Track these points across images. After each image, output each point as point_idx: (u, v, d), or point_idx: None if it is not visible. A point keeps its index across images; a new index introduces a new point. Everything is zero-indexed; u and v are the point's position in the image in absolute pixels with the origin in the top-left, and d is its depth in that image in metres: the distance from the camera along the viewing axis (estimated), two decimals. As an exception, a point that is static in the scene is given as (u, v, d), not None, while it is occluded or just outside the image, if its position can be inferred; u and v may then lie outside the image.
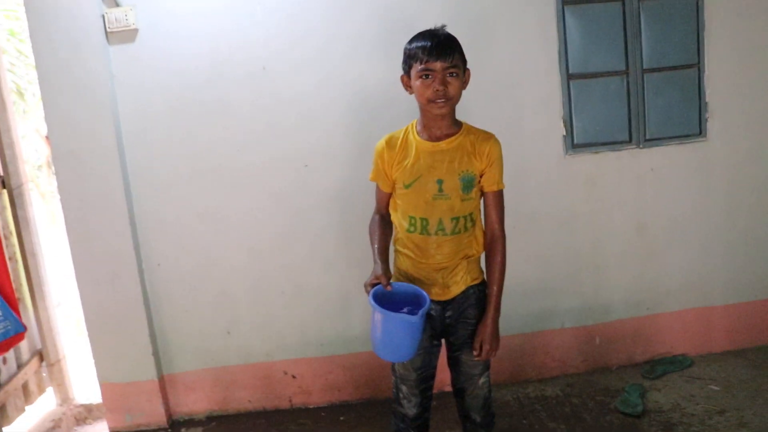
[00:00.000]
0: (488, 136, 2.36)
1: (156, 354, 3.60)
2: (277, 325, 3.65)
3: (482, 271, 2.51)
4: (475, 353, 2.38)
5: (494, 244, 2.42)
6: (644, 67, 3.57)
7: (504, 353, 3.65)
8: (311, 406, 3.71)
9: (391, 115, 3.31)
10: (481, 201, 2.43)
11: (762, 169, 3.78)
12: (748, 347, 3.93)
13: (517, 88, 3.55)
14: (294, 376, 3.69)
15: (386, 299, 2.21)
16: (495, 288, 2.40)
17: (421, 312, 2.16)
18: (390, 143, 2.38)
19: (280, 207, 3.54)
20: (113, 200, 3.43)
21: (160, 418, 3.62)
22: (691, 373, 3.71)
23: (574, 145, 3.60)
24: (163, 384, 3.64)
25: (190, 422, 3.65)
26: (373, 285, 2.22)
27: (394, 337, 2.21)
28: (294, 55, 3.42)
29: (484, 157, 2.32)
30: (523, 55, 3.52)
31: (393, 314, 2.16)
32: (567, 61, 3.52)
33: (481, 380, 2.50)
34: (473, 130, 2.36)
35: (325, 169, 3.51)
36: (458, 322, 2.44)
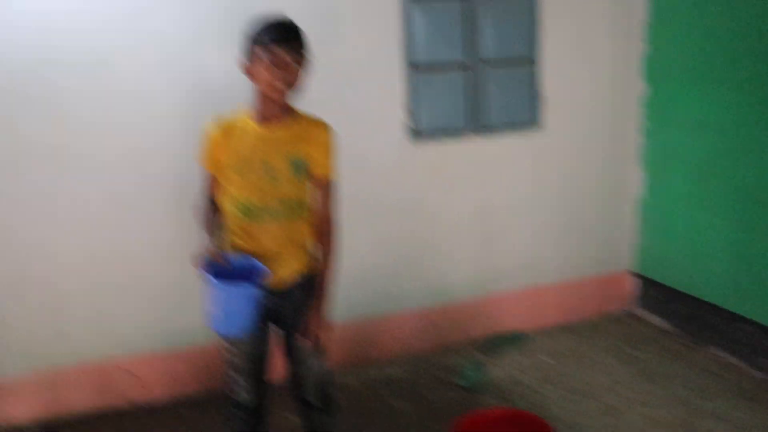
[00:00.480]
0: (319, 123, 2.35)
1: (-27, 360, 3.31)
2: (114, 321, 3.47)
3: (314, 259, 2.49)
4: (305, 340, 2.34)
5: (325, 233, 2.42)
6: (484, 59, 3.70)
7: (346, 338, 3.74)
8: (153, 404, 3.57)
9: (233, 106, 3.19)
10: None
11: (591, 158, 4.07)
12: (575, 321, 4.26)
13: (363, 79, 3.55)
14: (134, 373, 3.54)
15: (221, 274, 2.15)
16: (324, 276, 2.40)
17: (257, 282, 2.14)
18: (220, 125, 2.32)
19: (116, 198, 3.35)
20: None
21: (-21, 428, 3.34)
22: (525, 348, 3.95)
23: (417, 133, 3.67)
24: (-19, 391, 3.35)
25: (21, 431, 3.39)
26: (209, 261, 2.17)
27: (229, 307, 2.16)
28: (130, 43, 3.22)
29: (315, 142, 2.32)
30: (369, 46, 3.53)
31: (228, 285, 2.12)
32: (410, 51, 3.57)
33: (316, 364, 2.49)
34: (305, 117, 2.34)
35: (163, 159, 3.35)
36: (289, 309, 2.42)
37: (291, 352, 2.49)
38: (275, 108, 2.27)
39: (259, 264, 2.24)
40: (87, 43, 3.17)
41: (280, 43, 2.15)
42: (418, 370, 3.74)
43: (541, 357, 3.81)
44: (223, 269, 2.17)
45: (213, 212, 2.40)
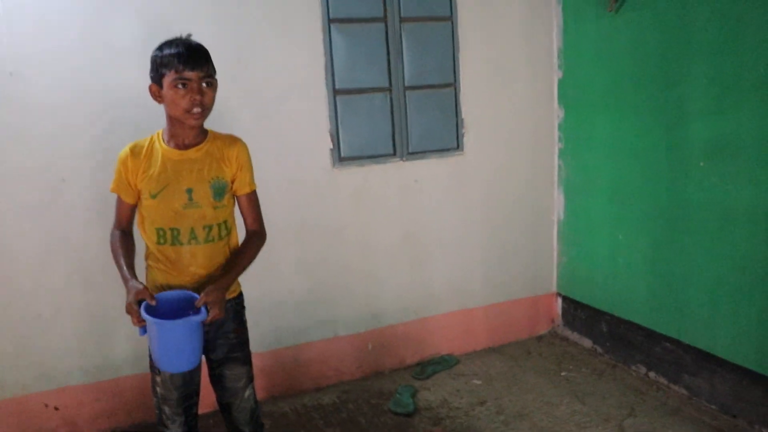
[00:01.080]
0: (234, 140, 2.36)
1: None
2: (34, 353, 3.34)
3: (239, 284, 2.48)
4: (199, 302, 2.18)
5: (251, 238, 2.41)
6: (406, 84, 3.81)
7: (279, 365, 3.70)
8: (78, 440, 3.45)
9: (154, 126, 3.18)
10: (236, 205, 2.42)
11: (513, 180, 4.18)
12: (504, 343, 4.33)
13: (286, 102, 3.59)
14: (56, 408, 3.40)
15: (155, 313, 2.10)
16: (235, 266, 2.32)
17: (202, 311, 2.10)
18: (134, 151, 2.27)
19: (34, 223, 3.26)
20: None
21: None
22: (456, 371, 3.98)
23: (341, 158, 3.73)
24: None
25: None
26: (138, 303, 2.11)
27: (178, 344, 2.11)
28: (45, 58, 3.17)
29: (234, 161, 2.32)
30: (291, 69, 3.58)
31: (174, 321, 2.06)
32: (333, 76, 3.64)
33: (246, 393, 2.47)
34: (219, 136, 2.34)
35: (83, 183, 3.28)
36: (218, 337, 2.39)
37: (223, 382, 2.45)
38: (191, 132, 2.26)
39: (193, 293, 2.20)
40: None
41: (191, 66, 2.14)
42: (351, 397, 3.72)
43: (473, 380, 3.84)
44: (159, 308, 2.13)
45: (128, 245, 2.34)
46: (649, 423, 3.21)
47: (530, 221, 4.28)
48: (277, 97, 3.57)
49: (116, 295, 3.30)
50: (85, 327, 3.40)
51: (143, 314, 2.07)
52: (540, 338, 4.40)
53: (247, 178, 2.36)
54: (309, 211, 3.69)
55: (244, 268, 2.35)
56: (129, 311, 2.12)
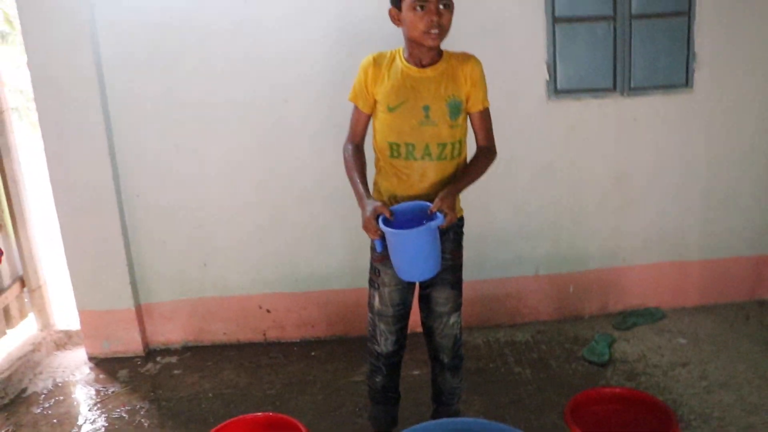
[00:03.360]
0: (468, 57, 2.37)
1: (133, 283, 3.65)
2: (253, 259, 3.69)
3: (461, 207, 2.51)
4: (434, 207, 2.25)
5: (482, 152, 2.43)
6: (633, 13, 3.49)
7: (477, 297, 3.72)
8: (284, 341, 3.78)
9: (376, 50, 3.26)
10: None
11: (747, 126, 3.74)
12: (719, 303, 3.96)
13: (502, 30, 3.48)
14: (269, 311, 3.75)
15: (391, 226, 2.21)
16: (467, 175, 2.37)
17: (438, 216, 2.17)
18: (377, 61, 2.36)
19: (258, 141, 3.54)
20: (93, 130, 3.43)
21: (136, 346, 3.69)
22: (661, 326, 3.74)
23: (556, 90, 3.56)
24: (140, 313, 3.70)
25: (166, 351, 3.73)
26: (376, 218, 2.23)
27: (420, 252, 2.22)
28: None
29: (468, 78, 2.34)
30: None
31: (415, 230, 2.16)
32: (553, 3, 3.45)
33: (452, 319, 2.51)
34: (454, 55, 2.37)
35: (304, 104, 3.48)
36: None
37: (430, 304, 2.51)
38: (428, 52, 2.31)
39: (425, 202, 2.27)
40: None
41: None
42: (545, 338, 3.67)
43: (678, 338, 3.58)
44: (395, 221, 2.23)
45: (362, 160, 2.45)
46: None
47: (763, 173, 3.81)
48: (493, 24, 3.46)
49: (328, 211, 3.54)
50: (298, 239, 3.66)
51: (383, 227, 2.18)
52: (762, 303, 3.96)
53: (480, 95, 2.38)
54: (519, 144, 3.59)
55: (473, 180, 2.38)
56: (367, 226, 2.25)
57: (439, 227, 2.18)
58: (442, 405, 2.67)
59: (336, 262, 3.68)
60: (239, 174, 3.57)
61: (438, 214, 2.18)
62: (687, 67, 3.59)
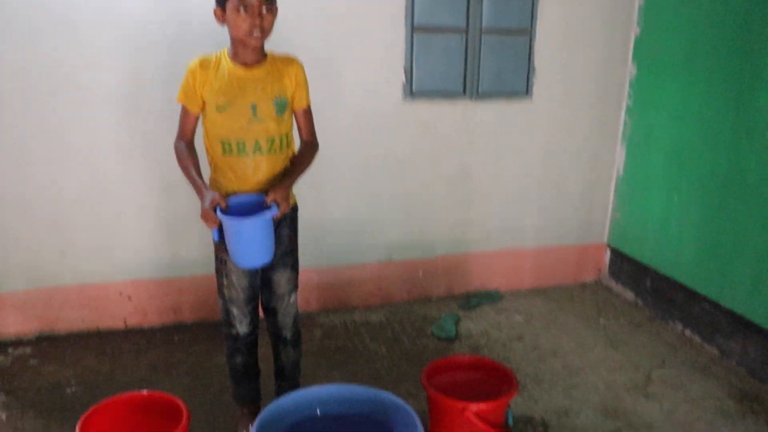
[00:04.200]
0: (292, 60, 2.53)
1: (-18, 272, 3.50)
2: (113, 247, 3.67)
3: (294, 195, 2.69)
4: (268, 199, 2.41)
5: (307, 147, 2.61)
6: (483, 27, 3.87)
7: (334, 281, 3.96)
8: (146, 327, 3.80)
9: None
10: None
11: (577, 131, 4.25)
12: (549, 286, 4.51)
13: (364, 35, 3.71)
14: (129, 297, 3.75)
15: (232, 213, 2.34)
16: (296, 169, 2.52)
17: (272, 207, 2.34)
18: (204, 63, 2.43)
19: (123, 128, 3.51)
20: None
21: (-16, 337, 3.55)
22: (500, 306, 4.19)
23: (412, 92, 3.86)
24: (-10, 303, 3.56)
25: (19, 342, 3.61)
26: (214, 209, 2.33)
27: (254, 239, 2.34)
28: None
29: (293, 79, 2.50)
30: (371, 3, 3.68)
31: (250, 217, 2.30)
32: (413, 14, 3.73)
33: (291, 298, 2.71)
34: (278, 56, 2.51)
35: (167, 92, 3.41)
36: (275, 242, 2.56)
37: (271, 286, 2.67)
38: (252, 52, 2.42)
39: (259, 195, 2.43)
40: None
41: None
42: (398, 318, 3.98)
43: (514, 316, 4.04)
44: (231, 213, 2.35)
45: (194, 155, 2.52)
46: (677, 376, 3.36)
47: (589, 173, 4.36)
48: (355, 30, 3.68)
49: (191, 199, 3.54)
50: (160, 227, 3.70)
51: (220, 216, 2.30)
52: (584, 286, 4.56)
53: (304, 94, 2.55)
54: (376, 141, 3.86)
55: (302, 172, 2.54)
56: (205, 217, 2.35)
57: (273, 218, 2.36)
58: (285, 380, 2.85)
59: (198, 249, 3.74)
60: (100, 161, 3.53)
61: (272, 205, 2.36)
62: (528, 78, 4.03)
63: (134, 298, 3.76)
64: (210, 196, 2.34)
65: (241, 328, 2.65)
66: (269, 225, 2.37)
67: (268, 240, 2.39)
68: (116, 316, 3.77)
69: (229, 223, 2.31)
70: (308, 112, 2.61)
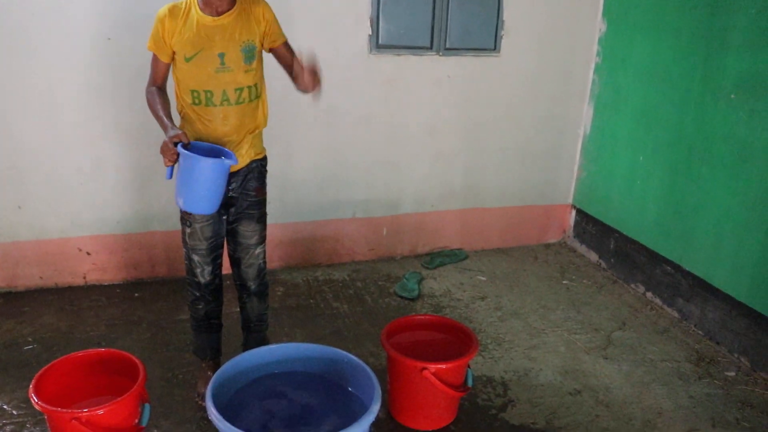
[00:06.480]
0: (257, 0, 2.46)
1: (-66, 227, 3.41)
2: (72, 202, 3.58)
3: (264, 148, 2.66)
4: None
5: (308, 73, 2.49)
6: (452, -20, 3.77)
7: (297, 238, 3.92)
8: (106, 283, 3.75)
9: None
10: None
11: (545, 89, 4.21)
12: (513, 246, 4.52)
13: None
14: (89, 253, 3.68)
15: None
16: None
17: (232, 157, 2.29)
18: (173, 12, 2.39)
19: (81, 81, 3.40)
20: None
21: (-62, 293, 3.47)
22: (464, 266, 4.19)
23: (378, 45, 3.77)
24: (-57, 258, 3.47)
25: (-26, 297, 3.55)
26: (174, 144, 2.29)
27: (206, 184, 2.29)
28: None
29: (262, 18, 2.45)
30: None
31: (208, 158, 2.24)
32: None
33: (257, 250, 2.69)
34: (244, 0, 2.44)
35: (128, 44, 3.37)
36: (240, 194, 2.58)
37: (237, 237, 2.65)
38: (221, 1, 2.37)
39: (224, 148, 2.38)
40: None
41: None
42: (361, 276, 3.97)
43: (478, 276, 4.05)
44: (192, 151, 2.29)
45: (164, 98, 2.49)
46: (636, 338, 3.41)
47: (556, 132, 4.34)
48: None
49: (152, 153, 3.50)
50: (120, 181, 3.61)
51: (180, 150, 2.25)
52: (549, 246, 4.58)
53: (277, 29, 2.51)
54: (340, 95, 3.77)
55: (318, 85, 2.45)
56: (164, 150, 2.31)
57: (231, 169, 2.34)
58: (251, 332, 2.86)
59: (159, 204, 3.68)
60: (58, 114, 3.42)
61: (232, 154, 2.33)
62: (496, 34, 3.96)
63: (94, 253, 3.69)
64: (174, 131, 2.32)
65: (203, 276, 2.65)
66: (224, 174, 2.32)
67: (219, 189, 2.34)
68: (75, 273, 3.70)
69: (185, 160, 2.26)
70: (289, 46, 2.55)
